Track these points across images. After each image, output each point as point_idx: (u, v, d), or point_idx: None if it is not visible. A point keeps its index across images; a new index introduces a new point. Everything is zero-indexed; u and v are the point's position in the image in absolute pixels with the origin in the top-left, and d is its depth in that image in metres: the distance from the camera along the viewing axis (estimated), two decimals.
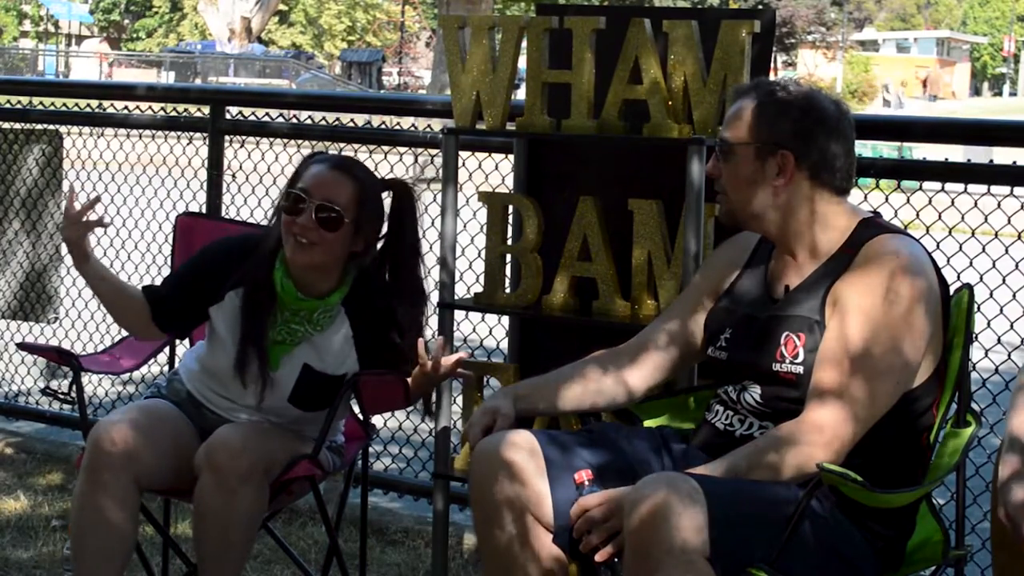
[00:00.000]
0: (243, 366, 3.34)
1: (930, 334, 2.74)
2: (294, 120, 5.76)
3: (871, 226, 2.82)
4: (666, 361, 3.06)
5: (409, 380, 3.30)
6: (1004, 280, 3.92)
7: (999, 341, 3.93)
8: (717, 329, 2.95)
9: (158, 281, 3.51)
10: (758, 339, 2.84)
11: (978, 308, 3.07)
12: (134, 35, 60.22)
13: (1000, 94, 67.96)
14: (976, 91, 69.65)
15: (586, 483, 2.74)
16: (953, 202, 3.95)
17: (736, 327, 2.91)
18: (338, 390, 3.36)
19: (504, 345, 4.10)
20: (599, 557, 2.66)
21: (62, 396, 3.53)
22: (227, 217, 4.96)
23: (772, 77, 3.30)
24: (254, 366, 3.34)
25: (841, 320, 2.71)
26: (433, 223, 4.96)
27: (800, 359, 2.76)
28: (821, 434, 2.65)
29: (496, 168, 4.66)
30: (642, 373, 3.05)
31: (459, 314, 4.03)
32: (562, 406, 3.06)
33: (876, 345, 2.66)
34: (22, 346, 3.70)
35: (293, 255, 3.29)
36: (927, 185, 3.92)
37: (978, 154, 5.33)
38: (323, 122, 4.98)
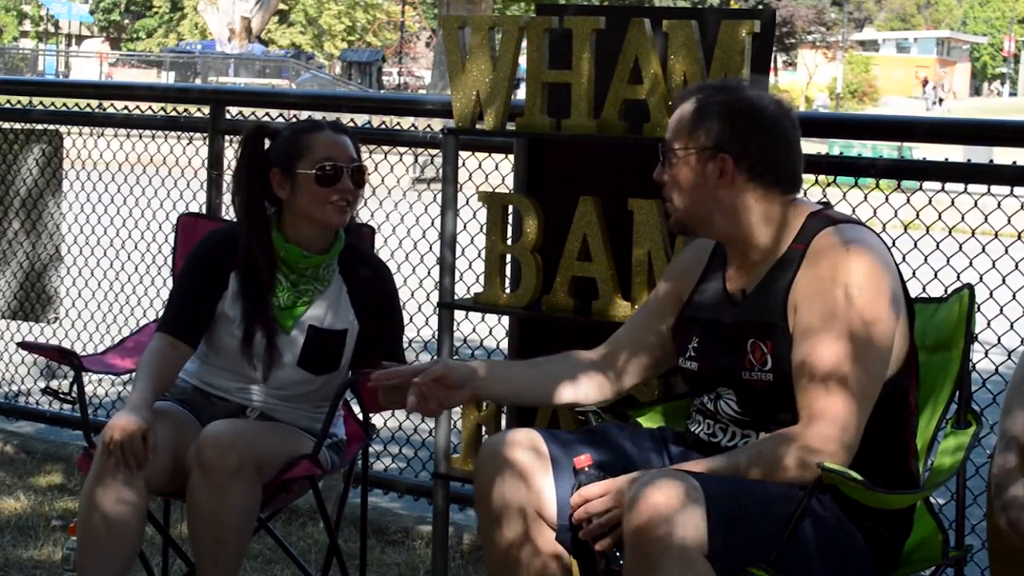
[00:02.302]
0: (249, 344, 3.42)
1: (894, 315, 2.72)
2: (294, 120, 5.76)
3: (819, 218, 2.81)
4: (643, 363, 3.04)
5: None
6: (1004, 280, 3.92)
7: (999, 342, 3.93)
8: (685, 339, 2.94)
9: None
10: (725, 346, 2.83)
11: (978, 308, 3.07)
12: (134, 35, 60.23)
13: (1000, 94, 67.96)
14: (976, 91, 69.66)
15: (586, 468, 2.74)
16: (953, 202, 3.95)
17: (702, 335, 2.90)
18: (341, 346, 3.49)
19: (504, 345, 4.10)
20: (599, 547, 2.66)
21: (63, 396, 3.53)
22: (227, 218, 4.96)
23: (772, 77, 3.29)
24: (260, 345, 3.42)
25: (809, 319, 2.69)
26: (433, 223, 4.97)
27: (769, 367, 2.75)
28: (824, 431, 2.63)
29: (496, 168, 4.67)
30: (619, 374, 3.03)
31: (459, 314, 4.03)
32: (530, 397, 3.07)
33: (849, 335, 2.65)
34: (23, 345, 3.70)
35: (330, 219, 3.44)
36: (927, 185, 3.92)
37: (978, 154, 5.33)
38: (294, 122, 4.96)
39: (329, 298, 3.50)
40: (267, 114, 5.65)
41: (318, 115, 4.75)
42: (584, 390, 3.03)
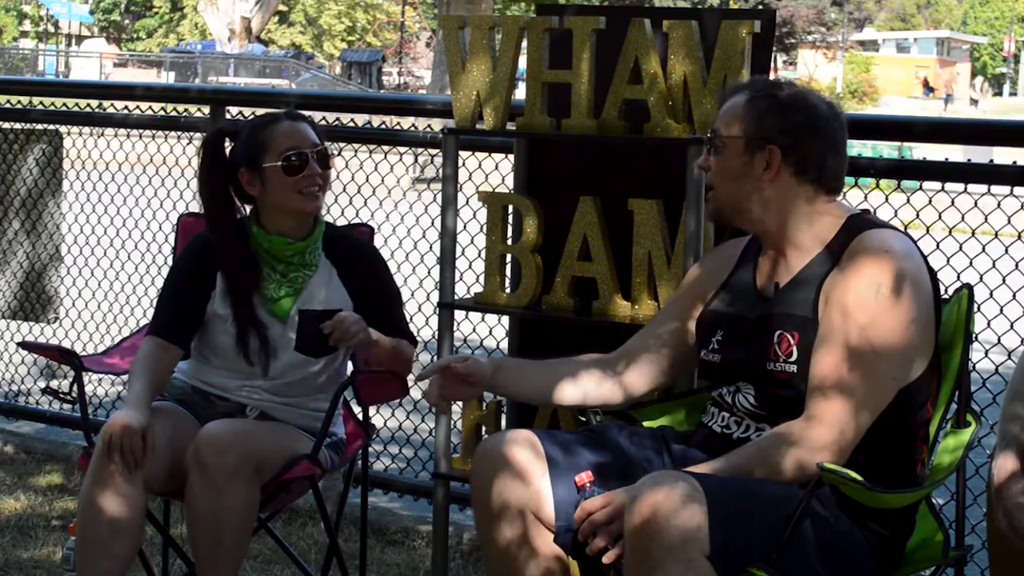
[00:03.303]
0: (245, 342, 3.43)
1: (923, 325, 2.74)
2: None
3: (859, 222, 2.83)
4: (657, 367, 3.05)
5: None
6: (1004, 280, 3.92)
7: (999, 341, 3.93)
8: (708, 332, 2.95)
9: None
10: (751, 339, 2.84)
11: (978, 308, 3.07)
12: (134, 35, 60.22)
13: (1000, 94, 67.94)
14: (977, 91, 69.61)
15: (587, 485, 2.73)
16: (953, 202, 3.95)
17: (727, 328, 2.91)
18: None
19: (504, 345, 4.10)
20: (606, 559, 2.65)
21: (63, 396, 3.53)
22: None
23: (772, 76, 3.30)
24: (255, 342, 3.43)
25: (834, 316, 2.71)
26: (433, 223, 4.97)
27: (794, 358, 2.76)
28: (823, 433, 2.65)
29: (496, 168, 4.66)
30: (633, 379, 3.04)
31: (459, 314, 4.03)
32: (545, 396, 3.06)
33: (869, 339, 2.66)
34: (23, 345, 3.70)
35: (304, 206, 3.47)
36: (927, 185, 3.92)
37: (978, 154, 5.33)
38: (323, 122, 4.98)
39: (320, 280, 3.51)
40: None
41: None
42: (597, 392, 3.04)
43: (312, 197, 3.47)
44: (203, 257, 3.49)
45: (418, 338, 3.67)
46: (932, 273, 2.82)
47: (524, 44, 3.62)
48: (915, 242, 2.83)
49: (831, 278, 2.76)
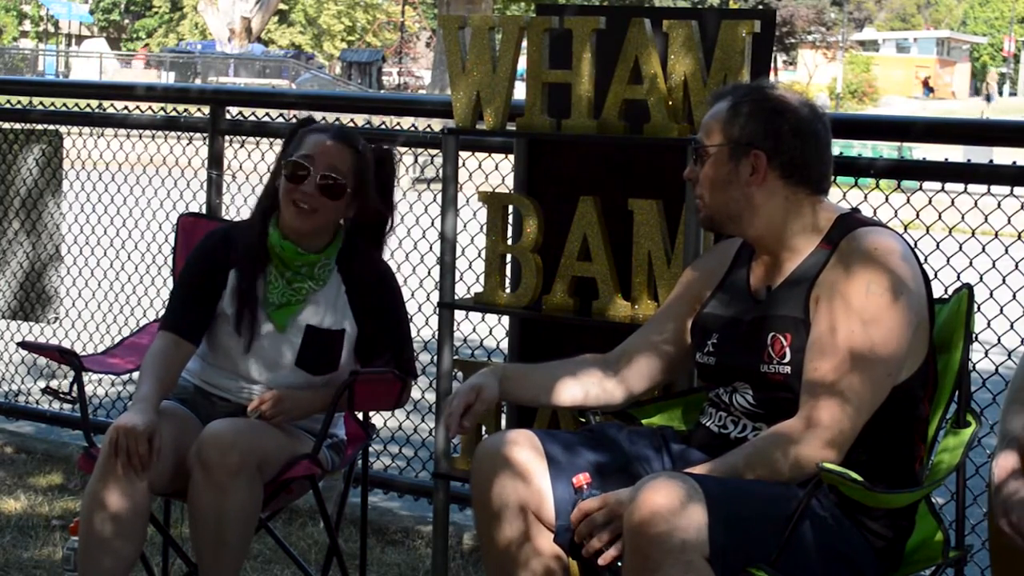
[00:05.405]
0: (240, 322, 3.43)
1: (915, 323, 2.74)
2: (294, 120, 5.75)
3: (849, 221, 2.84)
4: (656, 366, 3.06)
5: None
6: (1004, 280, 3.92)
7: (999, 341, 3.93)
8: (703, 335, 2.96)
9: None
10: (745, 341, 2.84)
11: (978, 308, 3.07)
12: (134, 35, 60.23)
13: (1000, 94, 67.95)
14: (976, 91, 69.65)
15: (585, 487, 2.73)
16: (953, 202, 3.95)
17: (722, 331, 2.91)
18: (339, 347, 3.48)
19: (504, 345, 4.10)
20: (602, 561, 2.66)
21: (63, 396, 3.53)
22: (227, 218, 4.96)
23: (771, 77, 3.30)
24: (248, 319, 3.43)
25: (826, 316, 2.71)
26: (433, 223, 4.97)
27: (787, 359, 2.76)
28: (819, 432, 2.65)
29: (496, 168, 4.67)
30: (632, 378, 3.05)
31: (459, 314, 4.03)
32: (548, 399, 3.06)
33: (862, 337, 2.67)
34: (23, 345, 3.70)
35: (293, 221, 3.42)
36: (927, 185, 3.93)
37: (978, 154, 5.33)
38: (323, 122, 4.98)
39: (326, 298, 3.49)
40: (267, 114, 5.65)
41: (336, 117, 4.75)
42: (597, 391, 3.04)
43: (301, 213, 3.40)
44: (217, 254, 3.48)
45: (418, 338, 3.66)
46: (923, 270, 2.82)
47: (524, 44, 3.63)
48: (907, 241, 2.83)
49: (822, 278, 2.76)
